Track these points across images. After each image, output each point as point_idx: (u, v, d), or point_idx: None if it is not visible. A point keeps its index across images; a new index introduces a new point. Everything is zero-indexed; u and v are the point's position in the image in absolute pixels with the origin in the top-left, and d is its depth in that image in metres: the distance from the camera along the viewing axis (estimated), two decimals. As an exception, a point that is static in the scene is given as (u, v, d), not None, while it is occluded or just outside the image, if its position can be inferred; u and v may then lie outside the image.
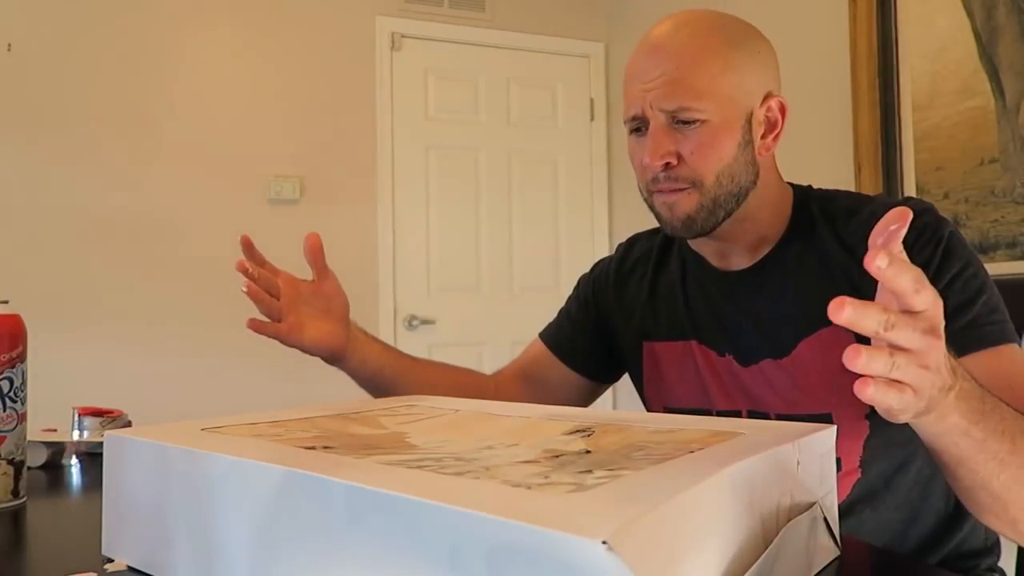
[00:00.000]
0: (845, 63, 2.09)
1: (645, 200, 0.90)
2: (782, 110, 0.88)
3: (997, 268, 1.71)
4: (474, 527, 0.34)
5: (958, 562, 0.87)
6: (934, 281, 0.72)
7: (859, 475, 0.84)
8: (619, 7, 3.16)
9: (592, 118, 3.21)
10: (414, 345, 2.87)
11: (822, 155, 2.18)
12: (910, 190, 1.94)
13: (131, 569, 0.54)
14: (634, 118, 0.85)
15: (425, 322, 2.91)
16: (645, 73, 0.84)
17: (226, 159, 2.70)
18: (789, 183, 0.93)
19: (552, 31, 3.13)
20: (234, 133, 2.71)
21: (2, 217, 2.45)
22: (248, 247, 0.90)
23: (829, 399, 0.83)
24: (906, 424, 0.82)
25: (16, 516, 0.72)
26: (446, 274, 2.98)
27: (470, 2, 3.02)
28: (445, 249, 2.98)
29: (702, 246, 0.94)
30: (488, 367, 1.14)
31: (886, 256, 0.45)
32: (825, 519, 0.52)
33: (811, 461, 0.51)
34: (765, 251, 0.90)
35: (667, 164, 0.83)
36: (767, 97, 0.86)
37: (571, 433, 0.55)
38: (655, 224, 0.93)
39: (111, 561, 0.56)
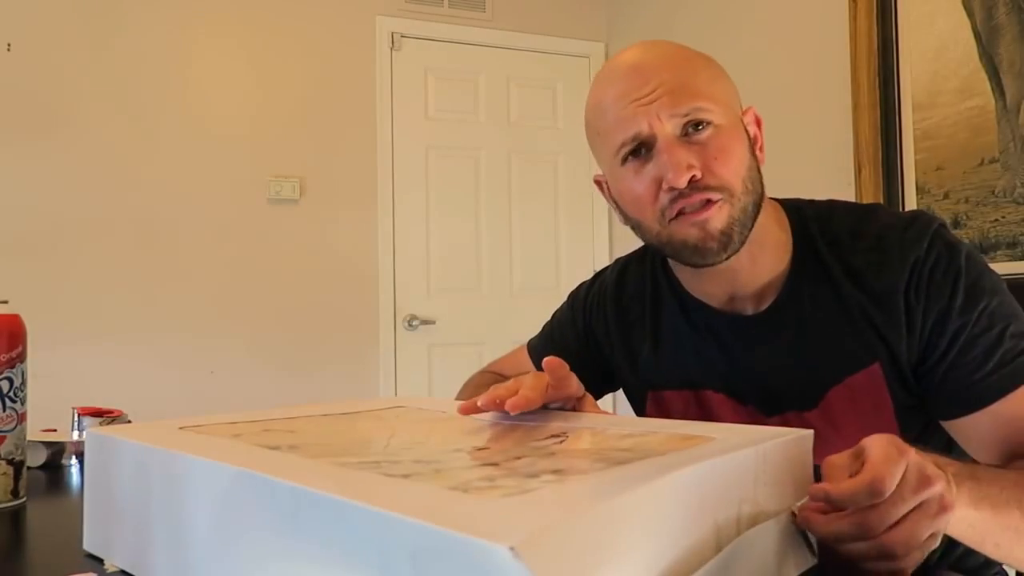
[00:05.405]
0: (845, 63, 2.09)
1: (655, 237, 0.81)
2: (758, 122, 0.85)
3: (997, 268, 1.70)
4: (397, 530, 0.35)
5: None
6: (959, 322, 0.75)
7: None
8: (619, 7, 3.16)
9: (592, 118, 3.21)
10: (414, 345, 2.88)
11: (822, 155, 2.18)
12: (910, 190, 1.94)
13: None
14: (635, 138, 0.77)
15: (425, 322, 2.90)
16: (635, 91, 0.77)
17: (226, 159, 2.70)
18: (774, 199, 0.87)
19: (552, 31, 3.13)
20: (234, 133, 2.71)
21: (2, 216, 2.45)
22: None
23: None
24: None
25: (16, 516, 0.72)
26: (446, 274, 2.98)
27: (470, 2, 3.02)
28: (445, 249, 2.98)
29: (706, 285, 0.87)
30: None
31: (821, 492, 0.49)
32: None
33: (779, 467, 0.50)
34: (775, 291, 0.83)
35: (692, 178, 0.75)
36: (744, 110, 0.83)
37: (546, 439, 0.56)
38: None
39: (100, 561, 0.56)
